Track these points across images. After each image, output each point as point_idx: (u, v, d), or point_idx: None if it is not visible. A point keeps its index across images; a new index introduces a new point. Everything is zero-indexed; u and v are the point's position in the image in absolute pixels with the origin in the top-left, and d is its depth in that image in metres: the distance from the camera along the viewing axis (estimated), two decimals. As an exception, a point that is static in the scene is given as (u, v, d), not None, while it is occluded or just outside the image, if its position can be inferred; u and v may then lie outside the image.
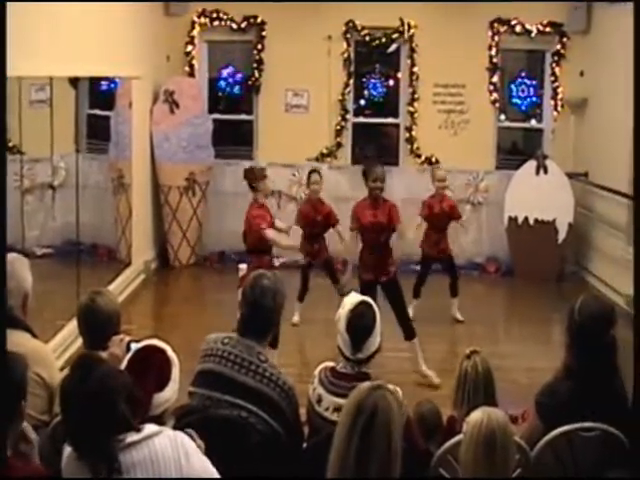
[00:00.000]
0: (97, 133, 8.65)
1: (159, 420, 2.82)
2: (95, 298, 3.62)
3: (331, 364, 3.60)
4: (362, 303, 3.55)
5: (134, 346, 3.08)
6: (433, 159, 10.26)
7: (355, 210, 6.49)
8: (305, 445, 3.52)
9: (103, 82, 8.73)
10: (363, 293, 5.49)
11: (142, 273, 9.21)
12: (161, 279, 9.57)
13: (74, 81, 7.22)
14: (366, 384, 2.70)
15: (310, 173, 7.92)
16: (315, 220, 7.68)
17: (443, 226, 7.98)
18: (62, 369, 3.64)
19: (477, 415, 2.85)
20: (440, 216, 7.93)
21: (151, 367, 2.91)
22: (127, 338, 3.35)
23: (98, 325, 3.56)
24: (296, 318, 7.72)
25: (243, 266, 8.79)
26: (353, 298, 3.62)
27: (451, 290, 8.07)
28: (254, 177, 6.63)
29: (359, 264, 6.45)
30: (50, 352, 4.02)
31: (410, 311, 7.21)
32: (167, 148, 9.73)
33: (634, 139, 5.46)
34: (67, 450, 2.62)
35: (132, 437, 2.57)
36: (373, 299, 3.75)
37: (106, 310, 3.60)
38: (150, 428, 2.64)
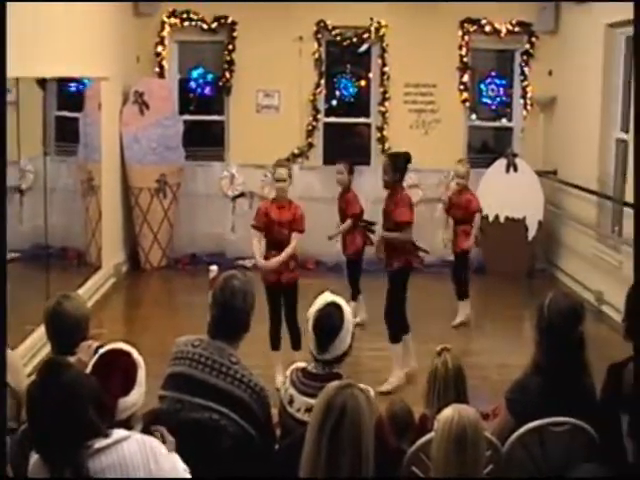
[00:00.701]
0: (66, 135, 8.55)
1: (126, 424, 2.79)
2: (63, 302, 3.58)
3: (302, 364, 3.59)
4: (330, 304, 3.51)
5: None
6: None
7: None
8: (277, 446, 3.51)
9: (72, 83, 8.64)
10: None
11: (112, 276, 9.14)
12: (132, 282, 9.50)
13: (42, 82, 7.14)
14: (335, 383, 2.70)
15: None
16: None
17: (462, 221, 7.95)
18: (30, 375, 3.60)
19: (448, 413, 2.86)
20: (459, 211, 7.95)
21: (116, 371, 2.88)
22: (95, 344, 3.31)
23: (65, 330, 3.52)
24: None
25: (214, 268, 8.76)
26: (323, 298, 3.60)
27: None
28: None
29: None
30: (18, 358, 3.97)
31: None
32: (137, 150, 9.66)
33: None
34: (34, 457, 2.58)
35: (100, 443, 2.54)
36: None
37: (74, 314, 3.56)
38: (119, 433, 2.61)
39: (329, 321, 3.45)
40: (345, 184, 7.72)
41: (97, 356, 2.97)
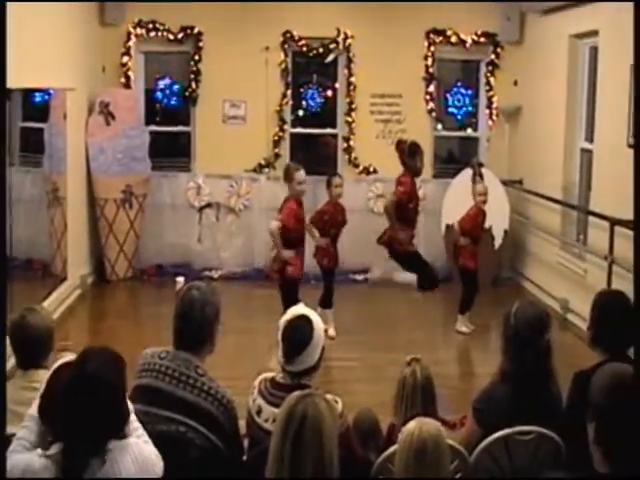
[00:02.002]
0: (31, 146, 8.47)
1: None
2: (26, 315, 3.56)
3: (271, 375, 3.57)
4: (302, 317, 3.49)
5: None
6: (371, 169, 10.34)
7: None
8: (245, 457, 3.49)
9: (37, 93, 8.56)
10: None
11: (78, 288, 9.06)
12: (98, 293, 9.42)
13: (6, 93, 7.06)
14: (297, 392, 2.75)
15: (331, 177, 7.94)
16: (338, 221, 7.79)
17: (478, 238, 8.09)
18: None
19: (410, 426, 2.88)
20: (479, 228, 8.07)
21: None
22: (69, 356, 3.28)
23: (30, 343, 3.50)
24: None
25: (180, 279, 8.78)
26: (295, 310, 3.59)
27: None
28: (285, 177, 7.00)
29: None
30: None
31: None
32: (103, 160, 9.59)
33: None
34: (34, 457, 2.61)
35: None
36: None
37: (37, 327, 3.53)
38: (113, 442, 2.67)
39: (297, 334, 3.43)
40: (341, 195, 7.87)
41: (51, 371, 2.95)
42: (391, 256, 7.23)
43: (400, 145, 7.00)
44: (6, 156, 4.39)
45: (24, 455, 2.70)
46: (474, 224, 8.02)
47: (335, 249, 7.87)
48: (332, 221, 7.81)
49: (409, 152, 6.85)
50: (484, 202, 8.02)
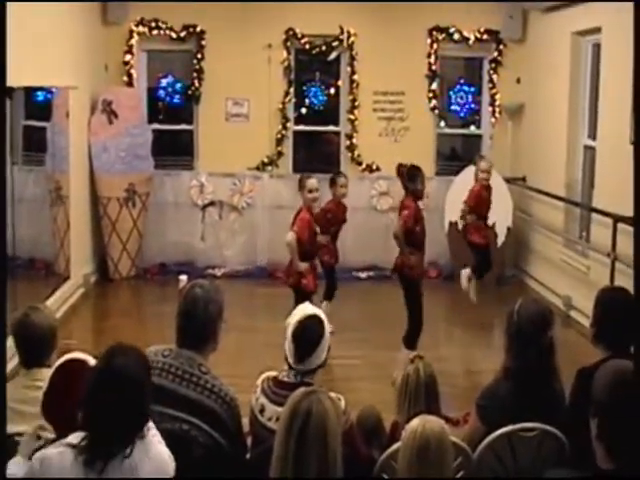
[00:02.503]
0: (33, 144, 8.48)
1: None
2: (30, 314, 3.56)
3: (273, 373, 3.58)
4: (312, 317, 3.53)
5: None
6: (374, 166, 10.34)
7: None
8: (249, 455, 3.50)
9: (39, 92, 8.57)
10: None
11: (81, 287, 9.06)
12: (101, 292, 9.42)
13: (9, 91, 7.07)
14: (301, 390, 2.75)
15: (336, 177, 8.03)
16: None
17: (486, 214, 8.09)
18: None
19: (414, 423, 2.88)
20: (485, 204, 8.03)
21: (76, 381, 2.85)
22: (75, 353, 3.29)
23: (33, 341, 3.50)
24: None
25: (183, 277, 8.78)
26: (305, 309, 3.61)
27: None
28: (299, 186, 6.99)
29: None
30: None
31: None
32: (106, 159, 9.60)
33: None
34: (56, 454, 2.62)
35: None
36: None
37: (40, 326, 3.54)
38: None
39: (309, 333, 3.46)
40: (346, 195, 7.99)
41: (54, 368, 2.96)
42: (400, 282, 7.11)
43: (400, 169, 7.01)
44: (6, 155, 4.39)
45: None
46: (478, 200, 8.00)
47: (335, 246, 7.94)
48: (334, 219, 7.85)
49: (408, 176, 6.86)
50: (486, 179, 8.00)
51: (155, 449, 2.73)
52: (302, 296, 6.69)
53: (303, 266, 6.68)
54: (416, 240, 6.78)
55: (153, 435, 2.79)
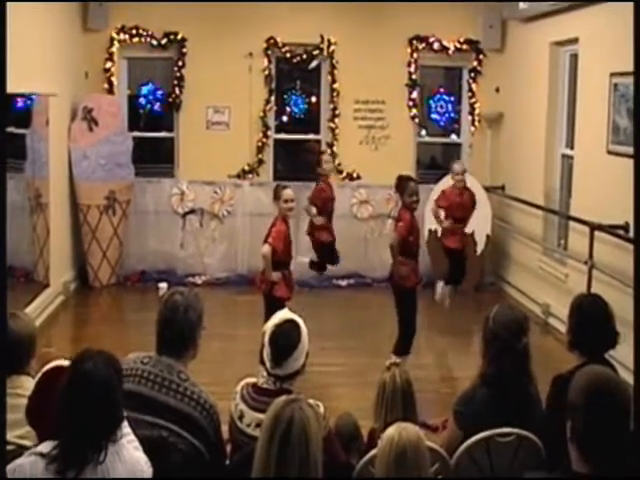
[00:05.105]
0: (13, 151, 8.44)
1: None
2: (9, 321, 3.54)
3: (253, 380, 3.59)
4: (289, 321, 3.54)
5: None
6: (354, 174, 10.38)
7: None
8: (228, 462, 3.50)
9: (19, 99, 8.54)
10: None
11: (61, 294, 9.03)
12: (81, 300, 9.38)
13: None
14: (283, 397, 2.75)
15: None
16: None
17: (461, 218, 8.28)
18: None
19: (390, 431, 2.89)
20: (459, 207, 8.20)
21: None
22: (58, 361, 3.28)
23: (12, 348, 3.48)
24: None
25: (163, 285, 8.76)
26: (282, 314, 3.63)
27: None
28: (274, 196, 6.96)
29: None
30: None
31: None
32: (86, 166, 9.57)
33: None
34: (29, 459, 2.62)
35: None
36: None
37: (19, 333, 3.52)
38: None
39: (285, 338, 3.47)
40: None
41: (38, 376, 2.96)
42: (393, 291, 7.12)
43: (396, 181, 7.12)
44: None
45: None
46: (449, 202, 8.08)
47: (331, 224, 8.40)
48: (327, 198, 8.24)
49: (396, 187, 6.98)
50: (460, 181, 8.13)
51: (128, 453, 2.73)
52: (275, 304, 6.66)
53: (276, 276, 6.67)
54: (409, 250, 6.81)
55: (128, 441, 2.79)
